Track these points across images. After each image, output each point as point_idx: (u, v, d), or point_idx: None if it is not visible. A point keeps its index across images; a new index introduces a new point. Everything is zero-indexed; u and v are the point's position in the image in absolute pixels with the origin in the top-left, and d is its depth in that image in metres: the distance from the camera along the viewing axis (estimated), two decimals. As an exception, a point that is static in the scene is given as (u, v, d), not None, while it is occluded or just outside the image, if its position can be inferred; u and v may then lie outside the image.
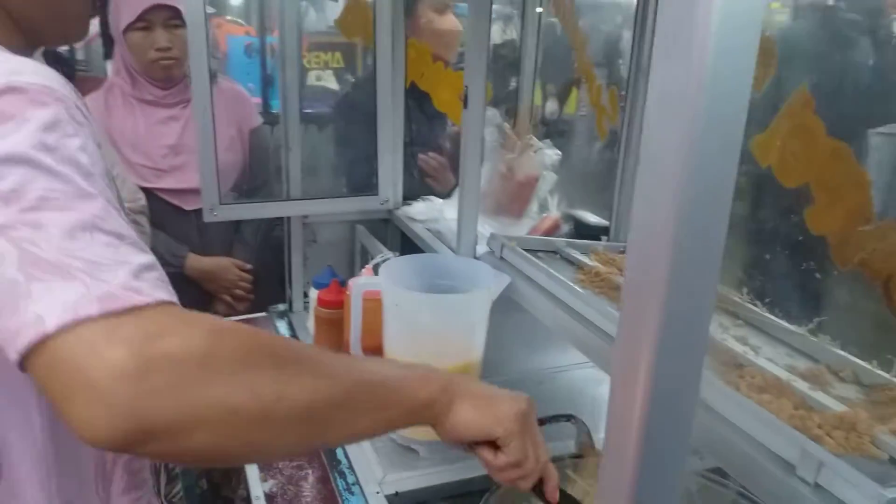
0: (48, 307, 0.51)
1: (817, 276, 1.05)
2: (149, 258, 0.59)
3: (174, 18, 1.74)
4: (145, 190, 1.80)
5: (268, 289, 2.03)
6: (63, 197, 0.56)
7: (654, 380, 0.42)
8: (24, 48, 0.76)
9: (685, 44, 0.37)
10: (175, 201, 1.86)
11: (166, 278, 0.59)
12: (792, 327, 1.07)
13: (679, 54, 0.37)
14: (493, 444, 0.77)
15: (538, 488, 0.82)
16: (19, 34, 0.75)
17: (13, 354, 0.52)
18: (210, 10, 1.46)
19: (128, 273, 0.55)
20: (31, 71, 0.62)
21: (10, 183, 0.55)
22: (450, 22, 1.72)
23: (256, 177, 1.98)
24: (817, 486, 0.69)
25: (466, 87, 1.22)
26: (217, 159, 1.50)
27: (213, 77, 1.48)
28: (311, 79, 4.42)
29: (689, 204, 0.38)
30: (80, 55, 4.97)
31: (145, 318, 0.53)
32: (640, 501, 0.44)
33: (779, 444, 0.74)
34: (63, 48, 4.39)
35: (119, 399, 0.50)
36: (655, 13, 1.34)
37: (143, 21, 1.74)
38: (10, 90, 0.59)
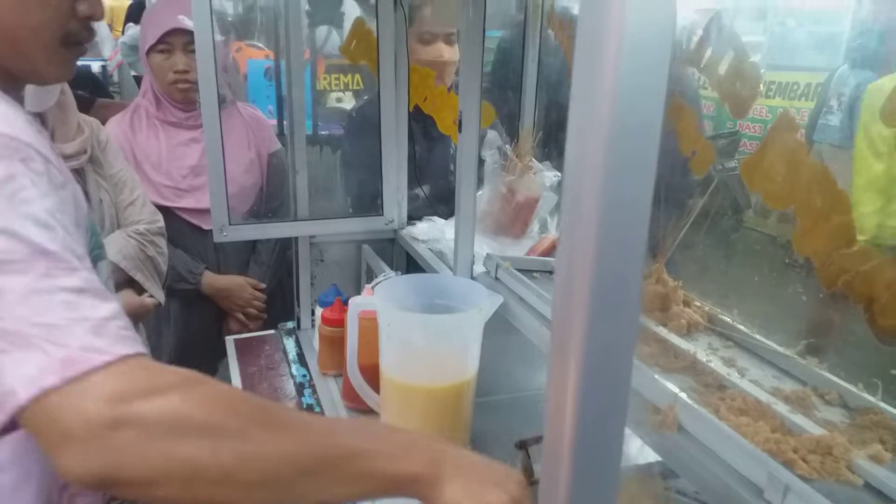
0: (16, 380, 0.56)
1: (803, 298, 1.06)
2: (110, 307, 0.61)
3: (193, 43, 1.80)
4: (166, 209, 1.86)
5: (283, 307, 2.07)
6: (19, 258, 0.58)
7: (586, 358, 0.43)
8: (5, 82, 0.77)
9: (600, 61, 0.38)
10: (193, 220, 1.92)
11: (130, 326, 0.61)
12: (780, 349, 1.07)
13: (594, 71, 0.38)
14: None
15: None
16: None
17: (1, 416, 0.58)
18: (220, 36, 1.51)
19: (87, 331, 0.58)
20: None
21: None
22: (436, 52, 1.75)
23: (274, 199, 2.02)
24: (783, 509, 0.70)
25: (460, 112, 1.25)
26: (226, 181, 1.55)
27: (222, 101, 1.52)
28: (332, 101, 4.50)
29: (609, 209, 0.40)
30: (116, 77, 5.13)
31: (106, 378, 0.57)
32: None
33: (748, 468, 0.75)
34: (97, 70, 4.54)
35: (84, 459, 0.55)
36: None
37: (164, 44, 1.82)
38: None
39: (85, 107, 2.08)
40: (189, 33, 1.79)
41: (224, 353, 1.76)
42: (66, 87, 1.52)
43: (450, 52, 1.77)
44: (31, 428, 0.58)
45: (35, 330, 0.57)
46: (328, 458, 0.63)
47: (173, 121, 1.90)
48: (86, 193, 1.41)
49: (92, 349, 0.57)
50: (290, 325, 1.84)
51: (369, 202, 1.81)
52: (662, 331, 1.14)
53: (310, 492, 0.62)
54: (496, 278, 1.29)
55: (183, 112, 1.89)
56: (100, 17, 0.83)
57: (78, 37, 0.81)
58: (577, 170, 0.41)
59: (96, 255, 0.88)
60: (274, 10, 3.33)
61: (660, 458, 0.87)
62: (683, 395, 0.87)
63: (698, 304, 1.23)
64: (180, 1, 1.78)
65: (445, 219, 1.73)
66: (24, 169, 0.63)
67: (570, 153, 0.41)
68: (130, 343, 0.60)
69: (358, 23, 1.66)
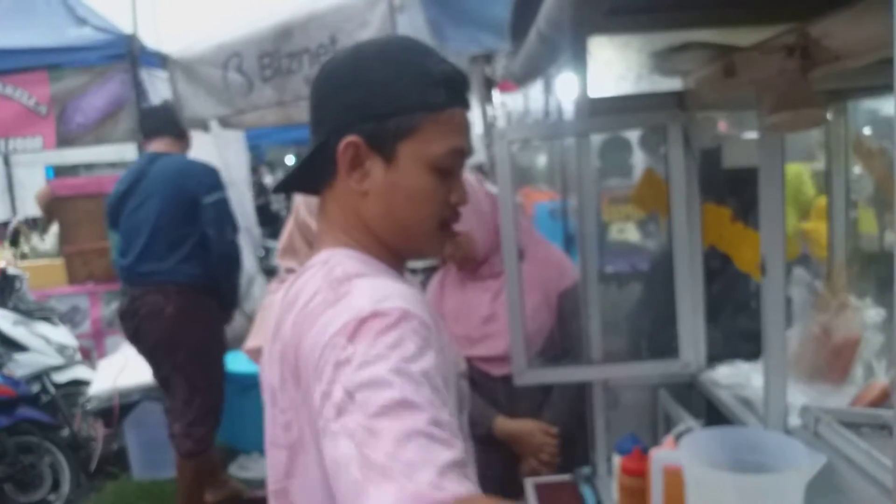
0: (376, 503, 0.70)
1: None
2: (454, 454, 0.73)
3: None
4: None
5: (580, 448, 2.06)
6: (395, 407, 0.74)
7: None
8: (395, 260, 1.01)
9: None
10: (484, 367, 2.03)
11: (470, 472, 0.73)
12: None
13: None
14: None
15: None
16: (388, 252, 1.00)
17: None
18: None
19: (434, 472, 0.70)
20: (395, 295, 0.85)
21: (364, 393, 0.75)
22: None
23: (567, 339, 2.01)
24: None
25: (763, 255, 1.21)
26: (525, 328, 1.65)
27: (520, 256, 1.65)
28: (613, 232, 4.55)
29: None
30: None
31: None
32: None
33: None
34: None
35: None
36: None
37: None
38: (374, 315, 0.81)
39: None
40: None
41: (521, 493, 1.80)
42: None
43: None
44: None
45: (398, 465, 0.70)
46: None
47: (471, 269, 2.08)
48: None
49: (437, 487, 0.69)
50: (586, 470, 1.83)
51: (664, 343, 1.77)
52: None
53: None
54: (816, 433, 1.18)
55: (477, 265, 2.06)
56: (465, 203, 1.02)
57: (449, 220, 1.01)
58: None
59: (462, 405, 1.09)
60: (560, 158, 3.57)
61: None
62: None
63: None
64: None
65: (748, 360, 1.63)
66: (412, 336, 0.81)
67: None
68: (466, 485, 0.71)
69: (648, 173, 1.71)
